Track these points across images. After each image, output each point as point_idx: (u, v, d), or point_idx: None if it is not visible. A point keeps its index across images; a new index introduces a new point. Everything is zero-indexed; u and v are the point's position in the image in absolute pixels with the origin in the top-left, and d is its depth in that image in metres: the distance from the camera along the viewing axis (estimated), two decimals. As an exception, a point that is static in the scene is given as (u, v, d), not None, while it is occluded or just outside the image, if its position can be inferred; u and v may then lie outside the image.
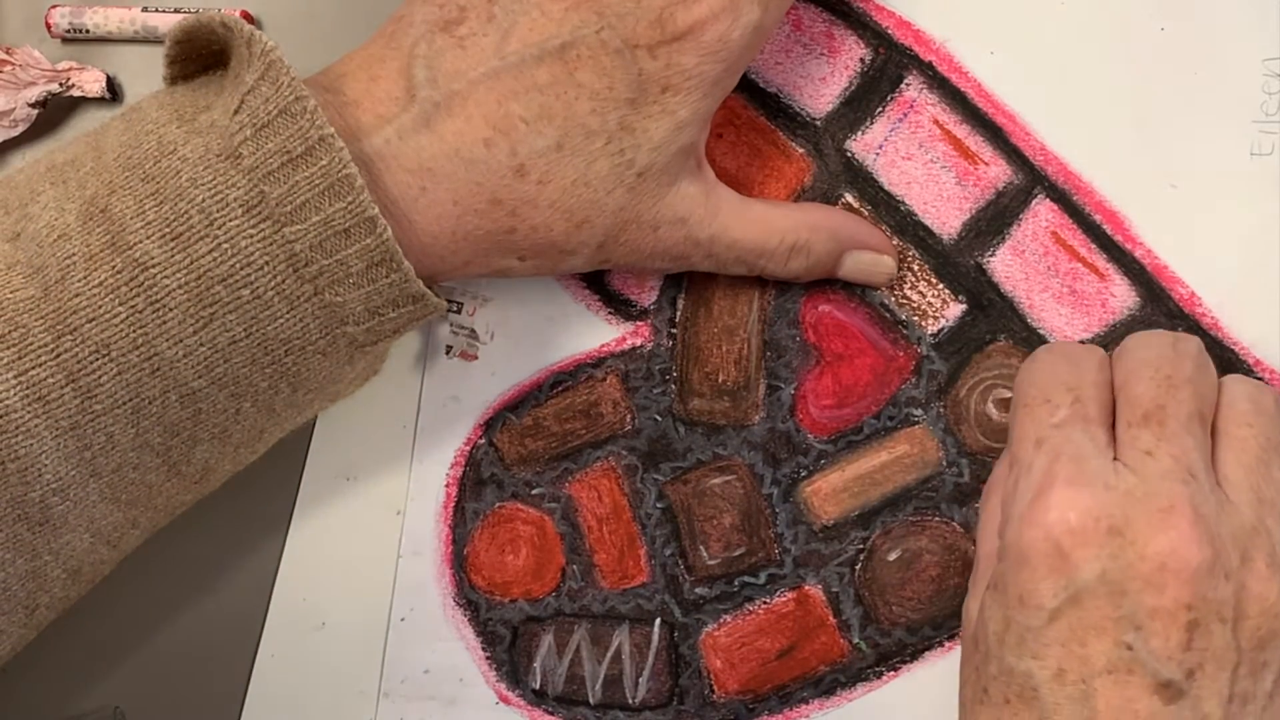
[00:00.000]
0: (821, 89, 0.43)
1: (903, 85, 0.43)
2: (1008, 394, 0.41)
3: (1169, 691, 0.32)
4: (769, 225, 0.40)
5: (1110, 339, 0.41)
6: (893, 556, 0.41)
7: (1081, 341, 0.41)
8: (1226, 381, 0.37)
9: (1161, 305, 0.41)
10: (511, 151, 0.36)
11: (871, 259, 0.41)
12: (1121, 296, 0.41)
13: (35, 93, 0.45)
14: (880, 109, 0.43)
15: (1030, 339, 0.41)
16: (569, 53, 0.36)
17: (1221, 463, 0.35)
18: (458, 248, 0.36)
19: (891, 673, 0.41)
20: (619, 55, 0.36)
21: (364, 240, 0.34)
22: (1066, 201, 0.42)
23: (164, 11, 0.46)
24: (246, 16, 0.46)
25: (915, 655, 0.41)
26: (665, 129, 0.37)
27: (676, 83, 0.36)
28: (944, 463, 0.41)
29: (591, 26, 0.36)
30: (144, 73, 0.47)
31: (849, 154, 0.43)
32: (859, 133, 0.43)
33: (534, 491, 0.43)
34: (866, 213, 0.42)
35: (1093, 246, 0.42)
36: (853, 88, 0.43)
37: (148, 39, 0.47)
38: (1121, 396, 0.36)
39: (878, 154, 0.43)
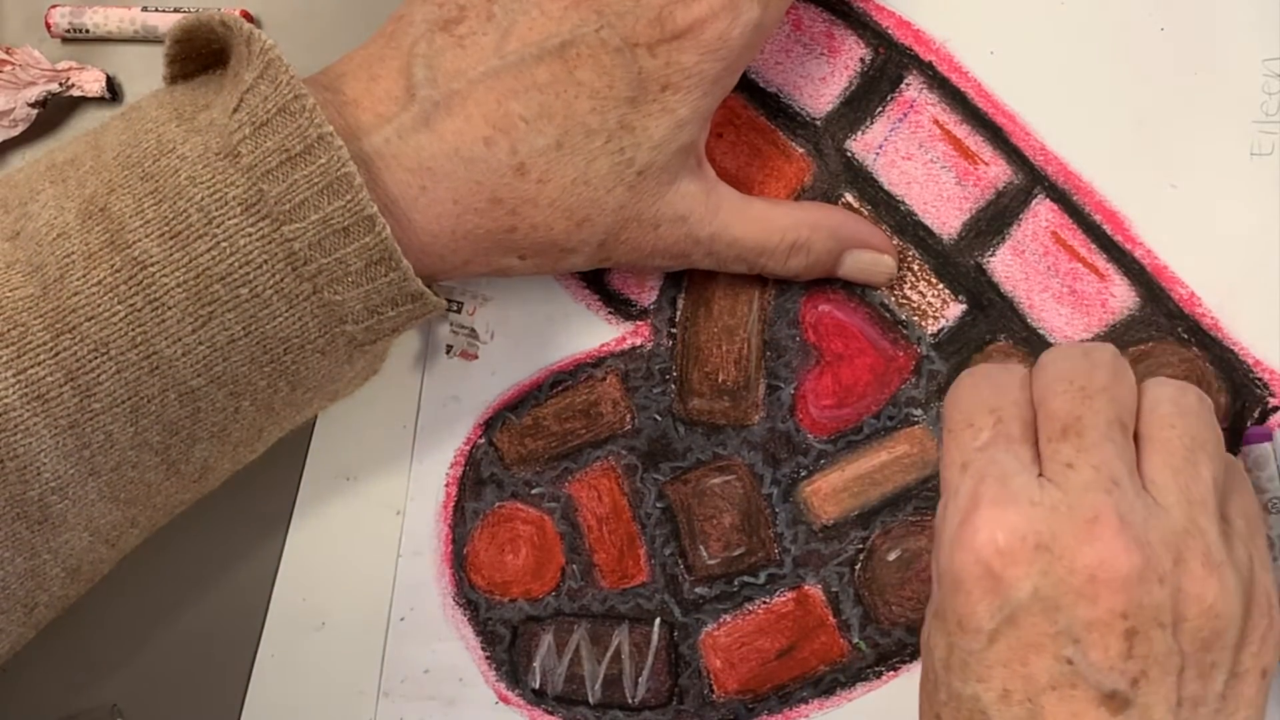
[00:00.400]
0: (821, 89, 0.43)
1: (903, 85, 0.43)
2: (1007, 394, 0.41)
3: (1115, 702, 0.32)
4: (769, 223, 0.40)
5: (1110, 339, 0.41)
6: (892, 556, 0.41)
7: (1081, 341, 0.41)
8: (1147, 385, 0.37)
9: (1161, 305, 0.41)
10: (511, 150, 0.36)
11: (871, 258, 0.41)
12: (1121, 296, 0.41)
13: (35, 93, 0.45)
14: (880, 109, 0.43)
15: (1030, 339, 0.41)
16: (569, 51, 0.36)
17: (1147, 466, 0.35)
18: (458, 246, 0.36)
19: (891, 673, 0.41)
20: (619, 54, 0.36)
21: (363, 239, 0.34)
22: (1066, 201, 0.42)
23: (164, 11, 0.46)
24: (246, 16, 0.46)
25: (915, 655, 0.41)
26: (665, 127, 0.37)
27: (676, 81, 0.36)
28: (944, 463, 0.41)
29: (591, 25, 0.36)
30: (144, 73, 0.47)
31: (849, 154, 0.43)
32: (859, 133, 0.43)
33: (534, 491, 0.43)
34: (866, 213, 0.42)
35: (1093, 246, 0.42)
36: (853, 87, 0.43)
37: (148, 39, 0.47)
38: (1041, 413, 0.35)
39: (878, 154, 0.43)
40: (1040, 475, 0.34)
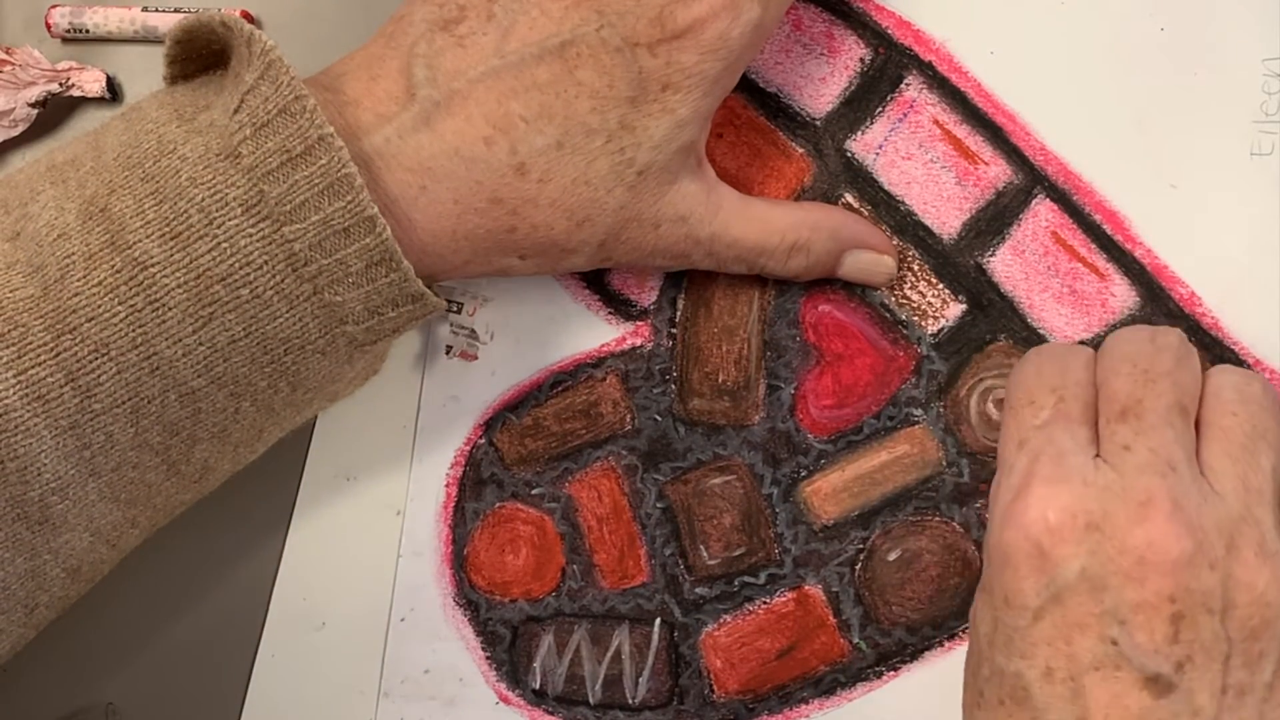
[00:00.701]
0: (821, 89, 0.43)
1: (903, 85, 0.43)
2: (1008, 394, 0.41)
3: (1158, 685, 0.32)
4: (769, 224, 0.40)
5: (1110, 339, 0.41)
6: (893, 556, 0.41)
7: (1081, 342, 0.41)
8: (1212, 372, 0.37)
9: (1161, 305, 0.41)
10: (512, 150, 0.36)
11: (871, 259, 0.41)
12: (1121, 296, 0.41)
13: (35, 93, 0.45)
14: (880, 109, 0.43)
15: (1030, 339, 0.41)
16: (569, 51, 0.36)
17: (1206, 453, 0.35)
18: (458, 246, 0.36)
19: (891, 673, 0.41)
20: (619, 53, 0.36)
21: (363, 239, 0.34)
22: (1066, 201, 0.42)
23: (164, 11, 0.46)
24: (247, 16, 0.46)
25: (915, 655, 0.41)
26: (666, 127, 0.37)
27: (677, 81, 0.36)
28: (944, 462, 0.41)
29: (592, 25, 0.36)
30: (144, 73, 0.47)
31: (849, 154, 0.43)
32: (859, 133, 0.43)
33: (534, 491, 0.43)
34: (866, 213, 0.42)
35: (1093, 246, 0.42)
36: (853, 87, 0.43)
37: (148, 39, 0.47)
38: (1102, 393, 0.36)
39: (878, 154, 0.43)
40: (1097, 456, 0.34)
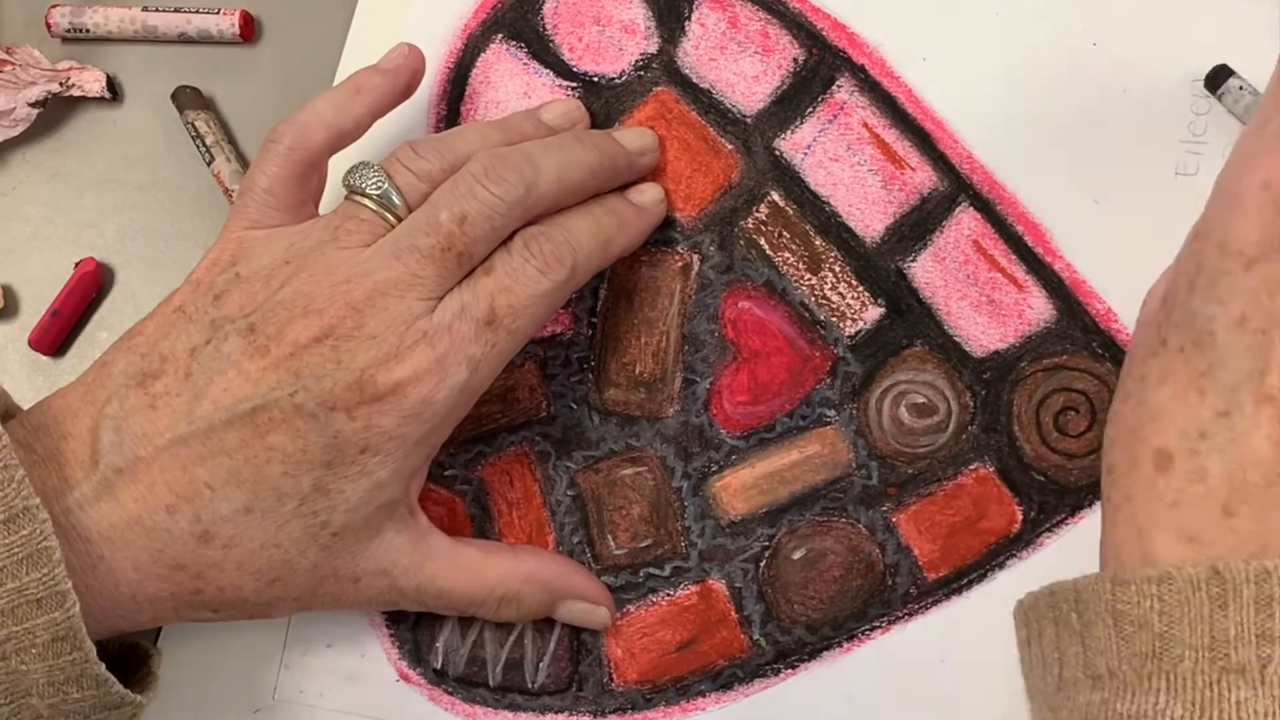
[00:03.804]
0: (754, 87, 0.43)
1: (834, 87, 0.43)
2: (920, 399, 0.41)
3: None
4: (479, 576, 0.39)
5: (1025, 351, 0.41)
6: (797, 555, 0.41)
7: (996, 353, 0.41)
8: None
9: (1077, 319, 0.41)
10: (195, 518, 0.35)
11: (585, 609, 0.41)
12: (1039, 309, 0.41)
13: (35, 93, 0.45)
14: (811, 109, 0.43)
15: (946, 346, 0.42)
16: (260, 416, 0.35)
17: None
18: (140, 607, 0.36)
19: (790, 670, 0.41)
20: (313, 419, 0.35)
21: (52, 613, 0.33)
22: (990, 211, 0.42)
23: (164, 11, 0.46)
24: (246, 16, 0.46)
25: (814, 654, 0.41)
26: (363, 489, 0.36)
27: (376, 444, 0.36)
28: (854, 464, 0.42)
29: (286, 389, 0.35)
30: (144, 72, 0.47)
31: (777, 152, 0.43)
32: (788, 132, 0.43)
33: (447, 473, 0.43)
34: (792, 211, 0.43)
35: (1013, 257, 0.42)
36: (785, 87, 0.43)
37: (148, 39, 0.47)
38: None
39: (806, 154, 0.43)
40: None
